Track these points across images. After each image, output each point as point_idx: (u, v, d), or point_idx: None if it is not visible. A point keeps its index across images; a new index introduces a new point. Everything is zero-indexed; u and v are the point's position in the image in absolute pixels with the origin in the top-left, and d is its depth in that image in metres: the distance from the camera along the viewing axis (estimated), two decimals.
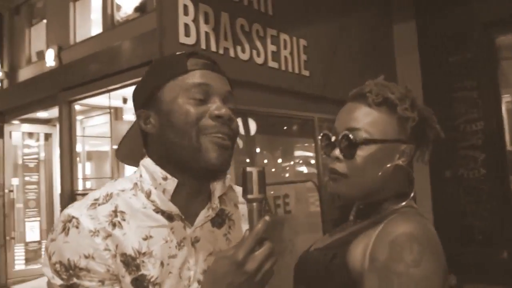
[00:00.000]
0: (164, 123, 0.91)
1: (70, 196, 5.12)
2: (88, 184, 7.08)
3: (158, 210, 0.91)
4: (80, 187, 5.88)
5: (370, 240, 0.94)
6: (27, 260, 6.85)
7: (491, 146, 4.68)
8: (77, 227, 0.84)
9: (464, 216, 4.76)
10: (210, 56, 0.98)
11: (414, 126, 1.02)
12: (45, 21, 9.75)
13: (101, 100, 5.47)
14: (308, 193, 4.51)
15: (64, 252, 0.84)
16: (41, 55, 9.67)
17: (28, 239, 7.03)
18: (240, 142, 4.15)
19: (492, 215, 4.61)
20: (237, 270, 0.78)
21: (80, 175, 5.85)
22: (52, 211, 7.37)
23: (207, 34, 3.30)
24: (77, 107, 5.51)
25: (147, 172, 0.93)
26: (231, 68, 3.46)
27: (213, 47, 3.34)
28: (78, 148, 5.87)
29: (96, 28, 8.17)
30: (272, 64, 3.87)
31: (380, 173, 1.00)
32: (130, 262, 0.87)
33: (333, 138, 1.05)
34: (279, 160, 5.12)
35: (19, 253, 6.79)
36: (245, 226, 1.00)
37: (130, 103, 3.84)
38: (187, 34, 3.17)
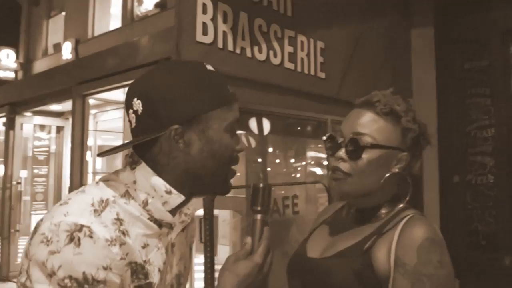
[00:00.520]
0: (206, 149, 0.91)
1: None
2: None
3: (152, 219, 0.90)
4: (89, 181, 5.89)
5: (391, 245, 1.04)
6: None
7: (501, 153, 4.70)
8: (91, 237, 0.79)
9: (470, 221, 4.78)
10: None
11: (414, 137, 1.14)
12: (63, 13, 9.82)
13: (115, 94, 5.47)
14: (317, 194, 4.53)
15: (77, 265, 0.77)
16: (58, 47, 9.75)
17: None
18: (253, 142, 4.16)
19: (497, 221, 4.64)
20: (258, 272, 0.92)
21: (90, 169, 5.82)
22: None
23: (224, 33, 3.31)
24: (91, 101, 5.50)
25: (146, 182, 0.90)
26: (247, 68, 3.52)
27: (230, 47, 3.35)
28: (90, 142, 5.84)
29: (114, 22, 8.21)
30: (288, 65, 3.87)
31: (380, 176, 1.11)
32: (139, 270, 0.86)
33: (340, 140, 1.15)
34: (291, 160, 5.13)
35: (22, 246, 6.74)
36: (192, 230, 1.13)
37: None
38: (205, 32, 3.18)
